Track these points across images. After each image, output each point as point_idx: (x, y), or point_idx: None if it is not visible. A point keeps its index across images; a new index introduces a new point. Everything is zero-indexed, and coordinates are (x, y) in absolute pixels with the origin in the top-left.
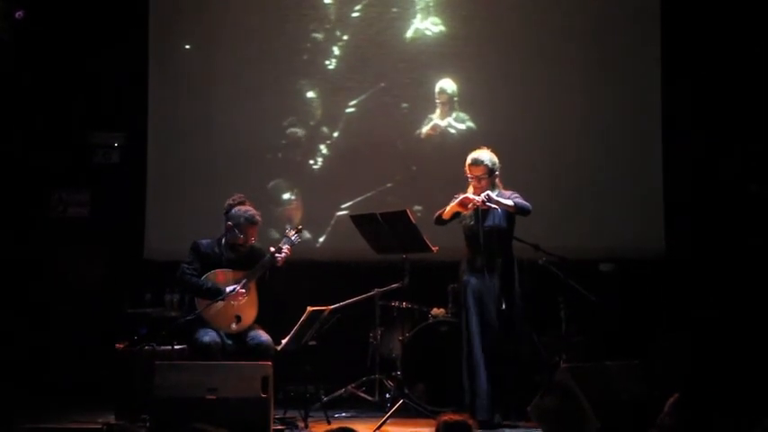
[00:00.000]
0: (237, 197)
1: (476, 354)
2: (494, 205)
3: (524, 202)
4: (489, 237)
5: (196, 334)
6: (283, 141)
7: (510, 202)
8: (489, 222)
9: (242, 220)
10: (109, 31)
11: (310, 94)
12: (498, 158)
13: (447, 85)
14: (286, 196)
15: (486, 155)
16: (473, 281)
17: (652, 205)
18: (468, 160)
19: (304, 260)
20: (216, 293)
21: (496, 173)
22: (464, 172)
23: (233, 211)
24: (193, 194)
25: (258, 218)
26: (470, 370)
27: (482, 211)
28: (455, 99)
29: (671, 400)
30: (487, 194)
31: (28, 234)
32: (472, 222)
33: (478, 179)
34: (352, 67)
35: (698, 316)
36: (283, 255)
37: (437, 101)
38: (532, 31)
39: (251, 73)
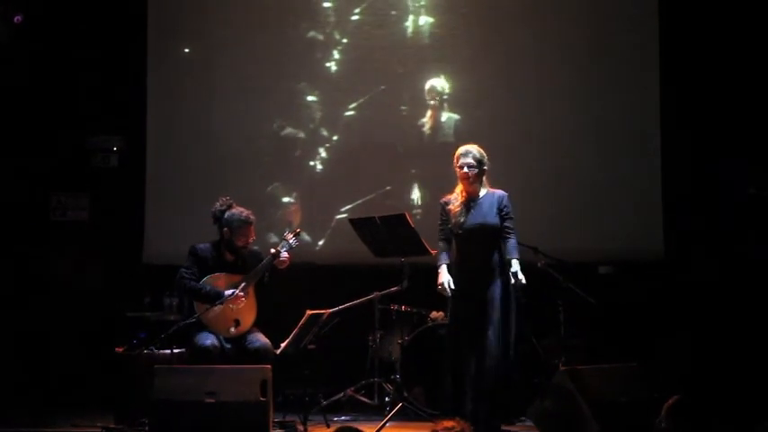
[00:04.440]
0: (224, 201)
1: (464, 358)
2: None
3: (515, 243)
4: (479, 234)
5: (195, 337)
6: (282, 144)
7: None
8: (479, 220)
9: (238, 222)
10: (108, 35)
11: (310, 97)
12: (495, 161)
13: (437, 83)
14: (285, 199)
15: (474, 147)
16: (462, 282)
17: (651, 207)
18: (457, 152)
19: (303, 263)
20: (215, 297)
21: (485, 167)
22: (454, 168)
23: (226, 215)
24: (192, 198)
25: (252, 216)
26: (457, 375)
27: (469, 209)
28: (444, 98)
29: (668, 403)
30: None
31: (27, 238)
32: (461, 220)
33: (468, 167)
34: (352, 70)
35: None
36: (283, 258)
37: (428, 100)
38: (531, 32)
39: (250, 76)
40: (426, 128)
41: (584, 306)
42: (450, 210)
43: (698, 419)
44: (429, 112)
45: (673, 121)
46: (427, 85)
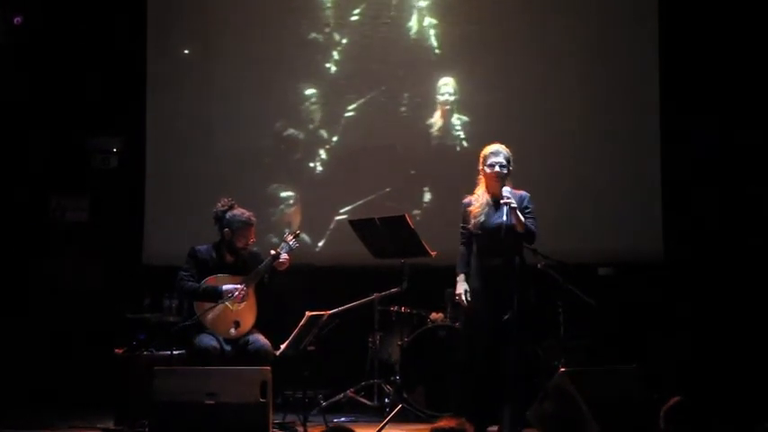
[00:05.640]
0: (226, 202)
1: (480, 360)
2: (509, 203)
3: (533, 228)
4: (498, 235)
5: (195, 338)
6: (282, 145)
7: (522, 220)
8: (500, 220)
9: (239, 224)
10: (107, 36)
11: (309, 98)
12: None
13: (449, 82)
14: (285, 200)
15: (502, 146)
16: (480, 284)
17: (650, 209)
18: (485, 151)
19: (303, 265)
20: (213, 294)
21: (511, 167)
22: (478, 168)
23: (227, 216)
24: (192, 199)
25: (253, 218)
26: (470, 377)
27: (491, 209)
28: (456, 98)
29: (667, 404)
30: (512, 203)
31: (27, 239)
32: (482, 219)
33: (500, 167)
34: (351, 71)
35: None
36: (283, 259)
37: (439, 100)
38: (531, 33)
39: (249, 77)
40: (434, 129)
41: (584, 307)
42: (470, 211)
43: (697, 421)
44: (438, 113)
45: (673, 122)
46: (440, 84)
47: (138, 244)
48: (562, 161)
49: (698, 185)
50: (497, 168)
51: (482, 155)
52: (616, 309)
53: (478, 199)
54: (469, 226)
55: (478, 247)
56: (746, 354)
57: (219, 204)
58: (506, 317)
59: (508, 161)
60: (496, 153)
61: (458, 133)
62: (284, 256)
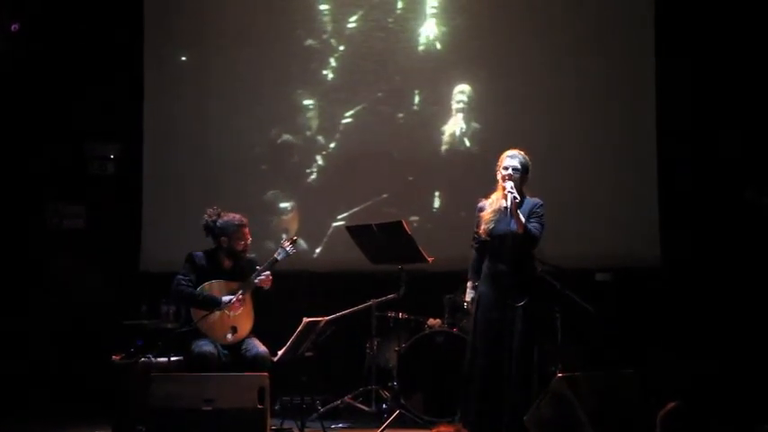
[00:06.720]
0: (212, 211)
1: (482, 371)
2: (510, 199)
3: (535, 231)
4: (508, 243)
5: (193, 344)
6: (279, 152)
7: (521, 219)
8: (507, 226)
9: (233, 228)
10: (105, 43)
11: (307, 105)
12: (491, 167)
13: (465, 89)
14: (282, 207)
15: (521, 152)
16: (487, 292)
17: (648, 214)
18: (503, 155)
19: (300, 271)
20: (213, 303)
21: (528, 174)
22: (495, 172)
23: (219, 224)
24: (189, 206)
25: (245, 218)
26: (472, 387)
27: (503, 215)
28: (470, 105)
29: (664, 410)
30: (514, 195)
31: (24, 246)
32: (491, 226)
33: (513, 170)
34: (349, 78)
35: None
36: (264, 276)
37: (456, 104)
38: (526, 40)
39: (247, 84)
40: (446, 134)
41: (582, 313)
42: (481, 216)
43: (694, 426)
44: (453, 118)
45: (670, 128)
46: (455, 90)
47: (136, 250)
48: (561, 167)
49: (695, 190)
50: (510, 171)
51: (500, 158)
52: (614, 314)
53: (492, 204)
54: (480, 231)
55: (488, 253)
56: (745, 357)
57: (206, 215)
58: (520, 303)
59: (523, 166)
60: (513, 157)
61: (464, 139)
62: (266, 273)
